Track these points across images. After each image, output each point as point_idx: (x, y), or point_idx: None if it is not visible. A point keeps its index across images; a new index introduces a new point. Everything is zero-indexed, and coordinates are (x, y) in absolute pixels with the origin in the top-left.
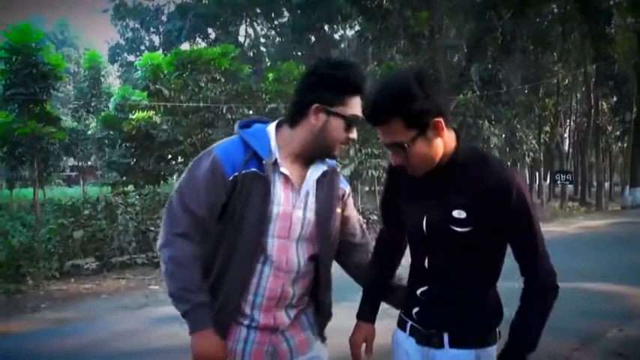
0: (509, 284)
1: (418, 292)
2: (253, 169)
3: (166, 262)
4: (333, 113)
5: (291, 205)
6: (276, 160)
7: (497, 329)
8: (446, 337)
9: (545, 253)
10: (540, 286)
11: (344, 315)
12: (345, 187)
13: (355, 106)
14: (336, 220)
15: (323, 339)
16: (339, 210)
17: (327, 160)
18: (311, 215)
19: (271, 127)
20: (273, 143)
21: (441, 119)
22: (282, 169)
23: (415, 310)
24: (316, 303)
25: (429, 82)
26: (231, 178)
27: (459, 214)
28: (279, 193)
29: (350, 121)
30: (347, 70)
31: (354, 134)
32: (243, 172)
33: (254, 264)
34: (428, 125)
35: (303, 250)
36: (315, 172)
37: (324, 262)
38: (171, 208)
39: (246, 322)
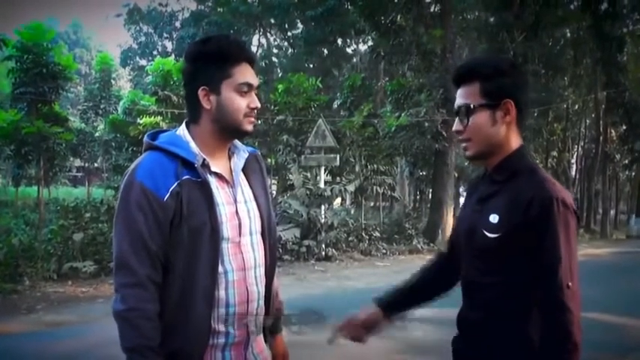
0: None
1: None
2: (187, 177)
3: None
4: (220, 90)
5: (233, 200)
6: (204, 160)
7: None
8: None
9: (566, 290)
10: (549, 324)
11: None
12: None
13: (242, 74)
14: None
15: (266, 339)
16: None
17: (244, 147)
18: (252, 205)
19: (182, 130)
20: (193, 145)
21: (512, 103)
22: (214, 169)
23: (454, 335)
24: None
25: (520, 73)
26: (166, 199)
27: (493, 218)
28: (219, 192)
29: (242, 91)
30: (216, 42)
31: (254, 102)
32: (176, 184)
33: (217, 278)
34: (500, 103)
35: (256, 242)
36: (240, 161)
37: (272, 247)
38: (117, 258)
39: (221, 341)
